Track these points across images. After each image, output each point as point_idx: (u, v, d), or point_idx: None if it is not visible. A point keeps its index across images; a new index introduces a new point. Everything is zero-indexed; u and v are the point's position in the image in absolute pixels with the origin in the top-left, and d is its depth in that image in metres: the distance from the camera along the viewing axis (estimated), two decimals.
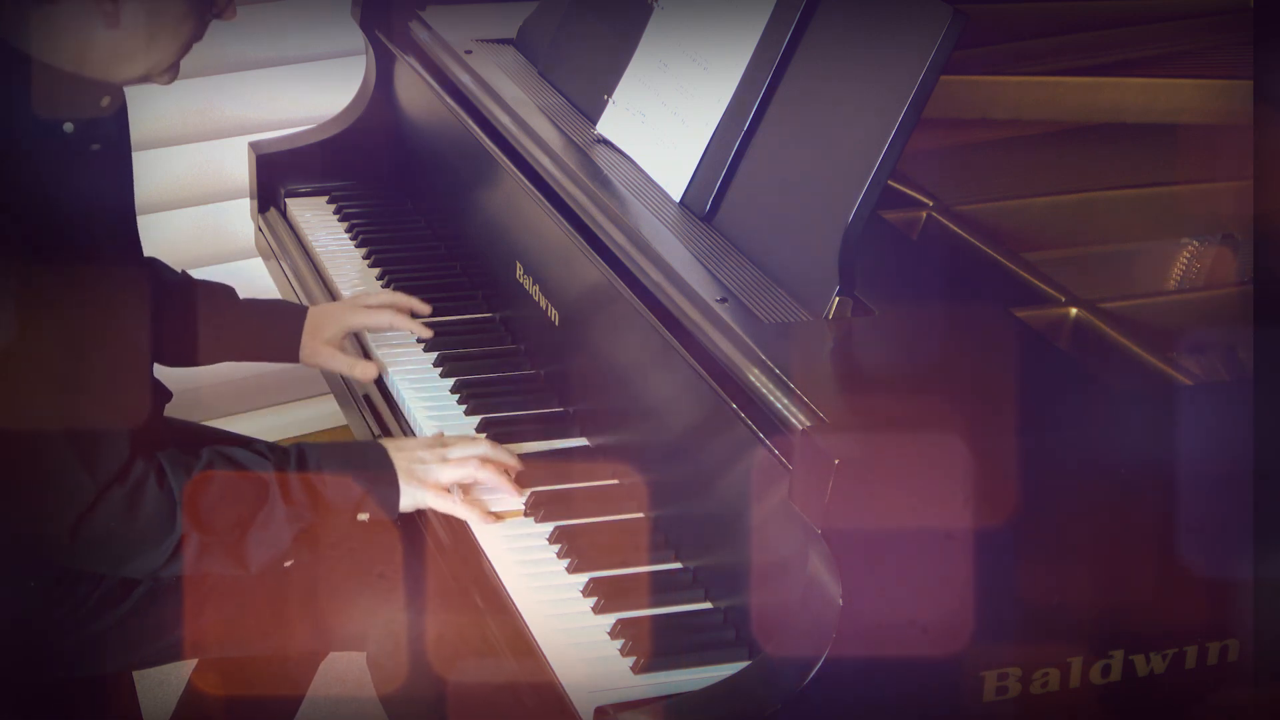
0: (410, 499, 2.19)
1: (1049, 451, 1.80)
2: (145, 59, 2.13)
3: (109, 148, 2.18)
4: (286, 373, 3.83)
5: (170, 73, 2.18)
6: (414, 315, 2.63)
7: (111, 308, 2.14)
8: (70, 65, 2.09)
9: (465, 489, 2.22)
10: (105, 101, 2.16)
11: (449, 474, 2.21)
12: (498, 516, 2.19)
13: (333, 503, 2.17)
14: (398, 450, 2.22)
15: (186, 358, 2.57)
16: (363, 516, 2.20)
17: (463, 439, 2.28)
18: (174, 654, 2.36)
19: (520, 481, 2.24)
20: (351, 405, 2.63)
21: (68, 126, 2.11)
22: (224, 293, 2.57)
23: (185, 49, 2.17)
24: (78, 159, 2.12)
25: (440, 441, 2.26)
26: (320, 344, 2.55)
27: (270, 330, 2.57)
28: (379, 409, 2.50)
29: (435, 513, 2.27)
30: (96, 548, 2.09)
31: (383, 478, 2.19)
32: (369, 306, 2.60)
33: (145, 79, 2.17)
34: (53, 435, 2.03)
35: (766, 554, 1.92)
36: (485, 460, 2.22)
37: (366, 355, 2.59)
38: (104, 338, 2.11)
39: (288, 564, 2.21)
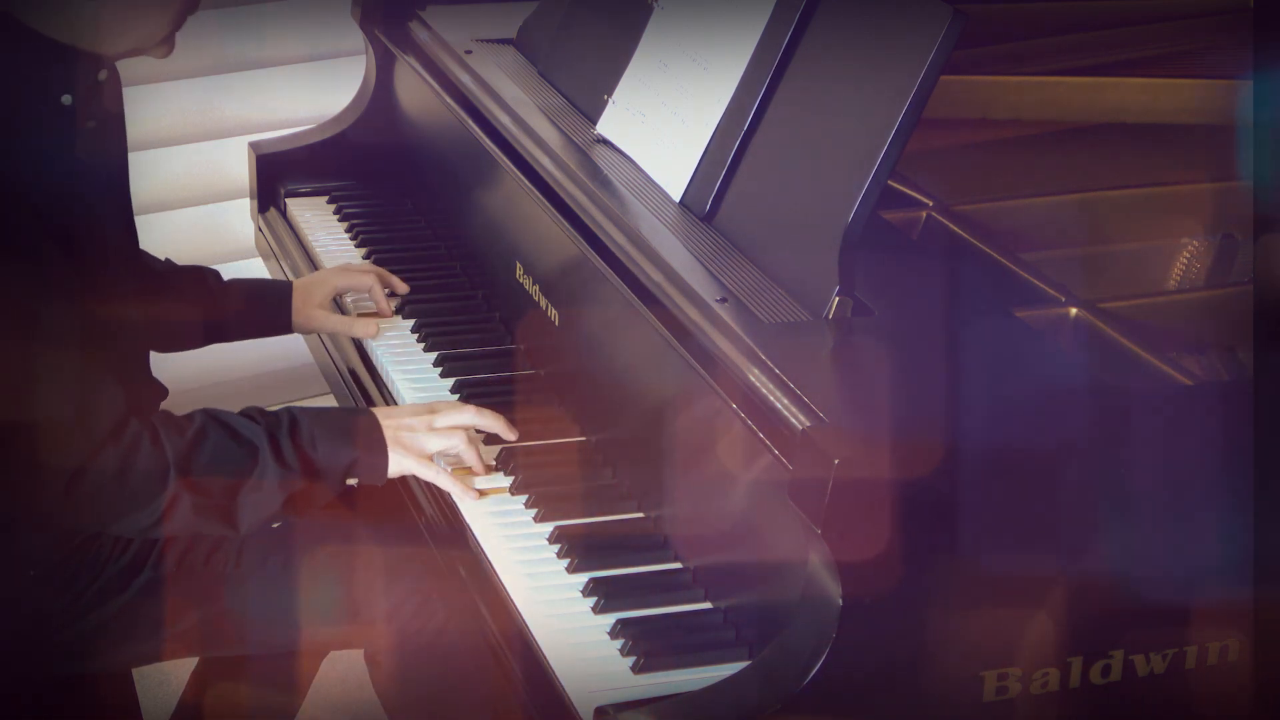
0: (397, 466, 2.22)
1: (1049, 451, 1.80)
2: (134, 30, 2.15)
3: (105, 126, 2.22)
4: (285, 373, 3.83)
5: (165, 45, 2.20)
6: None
7: (109, 285, 2.19)
8: (62, 36, 2.12)
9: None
10: (103, 75, 2.19)
11: (435, 443, 2.23)
12: (481, 493, 2.21)
13: (323, 468, 2.19)
14: (386, 418, 2.24)
15: (181, 342, 2.61)
16: (351, 482, 2.23)
17: (450, 406, 2.30)
18: (173, 652, 2.36)
19: (521, 481, 2.24)
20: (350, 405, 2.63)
21: (66, 99, 2.14)
22: (210, 275, 2.61)
23: (177, 21, 2.18)
24: (77, 134, 2.16)
25: (429, 409, 2.27)
26: (313, 309, 2.61)
27: (260, 304, 2.62)
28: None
29: (434, 511, 2.27)
30: (89, 504, 2.10)
31: (372, 446, 2.20)
32: (353, 269, 2.68)
33: (138, 51, 2.19)
34: (51, 391, 2.06)
35: (766, 554, 1.92)
36: (471, 430, 2.26)
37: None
38: (101, 312, 2.15)
39: (275, 525, 2.23)
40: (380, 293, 2.65)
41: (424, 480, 2.25)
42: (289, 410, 2.22)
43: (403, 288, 2.69)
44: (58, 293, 2.08)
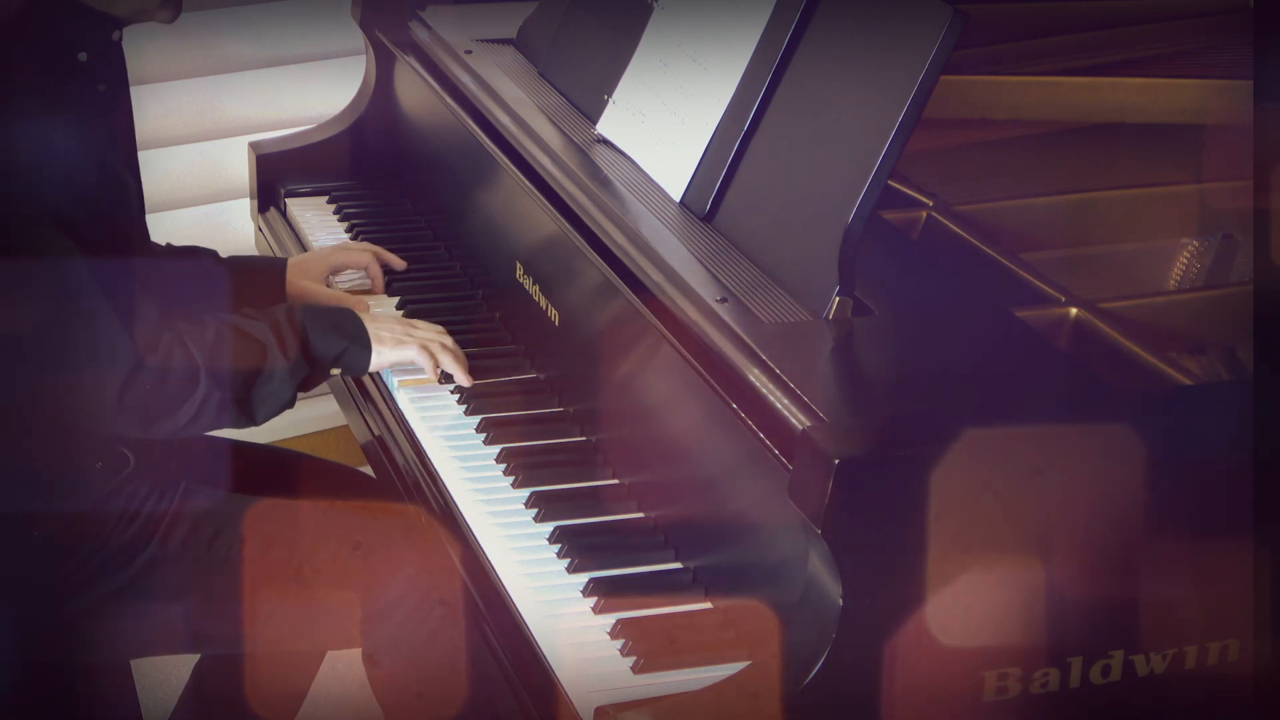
0: (379, 359, 2.42)
1: (1048, 451, 1.80)
2: None
3: (115, 91, 2.31)
4: None
5: (168, 9, 2.27)
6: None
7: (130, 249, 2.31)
8: None
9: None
10: (116, 35, 2.27)
11: (412, 338, 2.44)
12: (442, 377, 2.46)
13: (316, 357, 2.36)
14: (370, 320, 2.45)
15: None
16: (335, 372, 2.45)
17: (427, 324, 2.50)
18: (172, 645, 2.37)
19: (522, 480, 2.25)
20: (351, 406, 2.63)
21: (82, 56, 2.22)
22: (207, 254, 2.66)
23: None
24: (90, 95, 2.25)
25: (408, 320, 2.50)
26: (307, 283, 2.68)
27: (255, 278, 2.68)
28: (379, 408, 2.51)
29: (434, 509, 2.27)
30: (137, 411, 2.24)
31: (359, 338, 2.41)
32: (350, 247, 2.77)
33: (142, 14, 2.26)
34: (99, 302, 2.18)
35: (766, 554, 1.92)
36: (443, 346, 2.45)
37: None
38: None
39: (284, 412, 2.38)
40: (377, 270, 2.73)
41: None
42: (284, 305, 2.39)
43: (399, 264, 2.76)
44: (88, 225, 2.18)
